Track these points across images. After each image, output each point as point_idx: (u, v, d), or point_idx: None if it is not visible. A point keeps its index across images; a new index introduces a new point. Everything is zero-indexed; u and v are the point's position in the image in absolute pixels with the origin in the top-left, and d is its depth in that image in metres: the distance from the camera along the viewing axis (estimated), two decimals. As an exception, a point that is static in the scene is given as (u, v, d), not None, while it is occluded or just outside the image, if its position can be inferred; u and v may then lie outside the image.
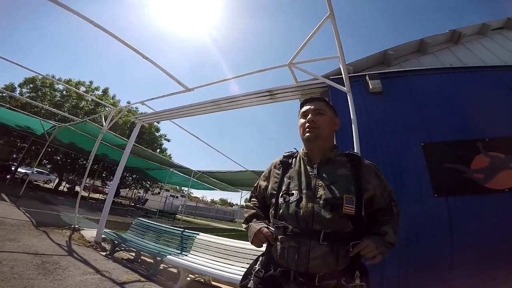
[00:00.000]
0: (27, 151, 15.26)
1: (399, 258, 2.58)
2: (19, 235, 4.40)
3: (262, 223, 1.28)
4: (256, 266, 1.22)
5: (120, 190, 25.69)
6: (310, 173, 1.23)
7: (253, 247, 1.26)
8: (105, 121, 7.12)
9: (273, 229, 1.18)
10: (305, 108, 1.37)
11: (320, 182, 1.17)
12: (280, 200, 1.21)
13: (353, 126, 3.09)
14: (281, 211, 1.18)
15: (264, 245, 1.24)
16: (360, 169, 1.22)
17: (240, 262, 3.57)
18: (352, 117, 3.15)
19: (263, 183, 1.44)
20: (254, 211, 1.42)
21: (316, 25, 3.15)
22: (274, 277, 1.11)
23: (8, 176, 14.26)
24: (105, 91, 19.79)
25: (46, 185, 20.33)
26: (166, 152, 23.43)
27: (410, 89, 3.51)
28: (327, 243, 1.04)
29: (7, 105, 11.00)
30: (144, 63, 4.22)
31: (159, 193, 28.44)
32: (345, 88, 3.39)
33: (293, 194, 1.18)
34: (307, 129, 1.29)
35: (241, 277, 1.27)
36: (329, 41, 3.33)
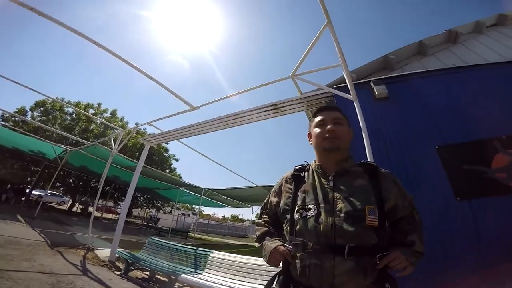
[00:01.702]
0: (40, 175, 15.58)
1: (424, 268, 2.43)
2: (34, 255, 4.44)
3: (277, 240, 1.22)
4: (274, 285, 1.17)
5: (132, 210, 25.81)
6: (326, 186, 1.18)
7: (268, 263, 1.21)
8: (114, 144, 7.25)
9: (290, 247, 1.12)
10: (321, 116, 1.32)
11: (337, 194, 1.12)
12: (296, 215, 1.15)
13: (363, 134, 3.03)
14: (298, 227, 1.12)
15: (281, 263, 1.18)
16: (379, 179, 1.18)
17: (255, 279, 3.50)
18: (361, 125, 3.10)
19: (274, 199, 1.38)
20: (266, 228, 1.36)
21: (315, 35, 3.18)
22: None
23: (23, 199, 14.54)
24: (114, 113, 20.30)
25: (60, 207, 20.65)
26: (176, 171, 23.68)
27: (417, 92, 3.45)
28: (353, 257, 0.98)
29: (20, 130, 11.35)
30: (150, 81, 4.34)
31: (170, 211, 28.43)
32: (351, 96, 3.36)
33: (310, 208, 1.12)
34: (328, 139, 1.24)
35: None
36: (330, 49, 3.35)
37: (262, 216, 1.48)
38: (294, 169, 1.37)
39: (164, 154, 22.05)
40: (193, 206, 35.94)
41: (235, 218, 68.62)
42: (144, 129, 19.10)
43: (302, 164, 1.39)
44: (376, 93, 3.46)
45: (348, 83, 3.36)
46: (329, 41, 3.13)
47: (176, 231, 17.87)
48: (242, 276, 3.62)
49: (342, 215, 1.05)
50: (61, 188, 22.81)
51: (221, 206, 19.75)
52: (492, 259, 2.39)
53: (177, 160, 23.70)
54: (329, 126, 1.25)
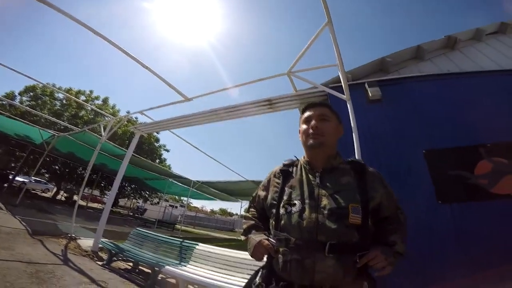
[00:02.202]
0: (25, 160, 15.17)
1: (404, 268, 2.50)
2: (13, 244, 4.31)
3: (262, 234, 1.23)
4: (257, 279, 1.17)
5: (119, 199, 25.53)
6: (313, 182, 1.18)
7: (254, 258, 1.21)
8: (104, 131, 7.11)
9: (274, 241, 1.12)
10: (308, 113, 1.32)
11: (323, 191, 1.12)
12: (282, 210, 1.15)
13: (353, 134, 3.07)
14: (282, 222, 1.13)
15: (265, 257, 1.19)
16: (365, 177, 1.18)
17: (240, 273, 3.51)
18: (352, 125, 3.13)
19: (262, 193, 1.38)
20: (253, 222, 1.37)
21: (315, 33, 3.17)
22: None
23: (5, 185, 14.12)
24: (105, 101, 19.94)
25: (44, 194, 20.19)
26: (166, 162, 23.48)
27: (410, 95, 3.50)
28: (333, 255, 0.99)
29: (7, 114, 10.99)
30: (145, 71, 4.28)
31: (158, 203, 28.24)
32: (344, 96, 3.38)
33: (295, 204, 1.13)
34: (311, 136, 1.24)
35: None
36: (328, 49, 3.33)
37: (250, 209, 1.48)
38: (283, 164, 1.37)
39: (155, 144, 21.82)
40: (181, 198, 35.82)
41: (223, 211, 68.76)
42: (136, 118, 18.83)
43: (291, 159, 1.38)
44: (370, 94, 3.49)
45: (342, 83, 3.38)
46: (327, 40, 3.12)
47: (162, 223, 17.78)
48: (227, 270, 3.63)
49: (326, 212, 1.06)
50: (46, 175, 22.33)
51: (210, 199, 19.73)
52: (470, 262, 2.47)
53: (167, 150, 23.51)
54: (312, 123, 1.26)
